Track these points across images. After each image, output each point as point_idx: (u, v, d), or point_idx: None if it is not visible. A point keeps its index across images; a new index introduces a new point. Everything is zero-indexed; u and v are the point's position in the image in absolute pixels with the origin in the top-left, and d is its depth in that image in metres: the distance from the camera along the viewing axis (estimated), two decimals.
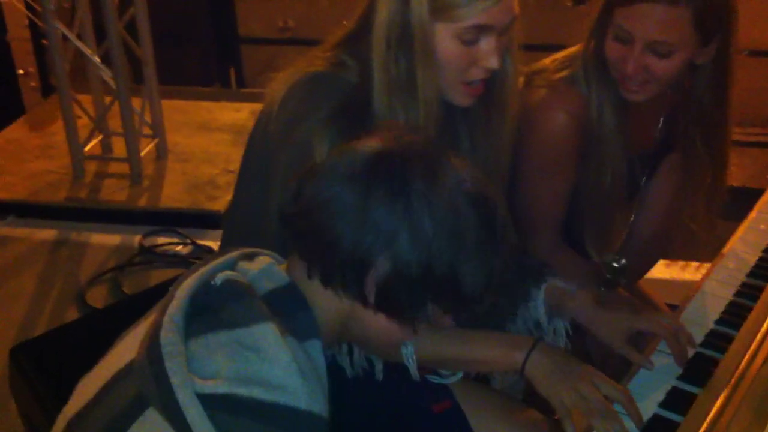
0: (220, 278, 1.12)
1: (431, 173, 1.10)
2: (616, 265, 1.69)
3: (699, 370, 1.51)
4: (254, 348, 1.04)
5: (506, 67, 1.55)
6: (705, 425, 1.37)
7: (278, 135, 1.50)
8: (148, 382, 1.03)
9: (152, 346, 1.05)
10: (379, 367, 1.51)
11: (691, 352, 1.53)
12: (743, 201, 2.23)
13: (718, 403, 1.42)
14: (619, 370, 1.53)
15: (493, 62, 1.45)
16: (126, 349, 1.13)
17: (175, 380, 1.01)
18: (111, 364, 1.14)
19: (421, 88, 1.45)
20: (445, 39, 1.43)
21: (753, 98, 5.38)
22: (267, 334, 1.05)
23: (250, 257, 1.20)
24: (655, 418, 1.41)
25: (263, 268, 1.16)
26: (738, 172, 4.72)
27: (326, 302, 1.15)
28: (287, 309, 1.12)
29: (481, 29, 1.42)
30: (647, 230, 2.01)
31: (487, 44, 1.44)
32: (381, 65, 1.45)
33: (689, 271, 2.37)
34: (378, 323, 1.16)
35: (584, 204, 1.87)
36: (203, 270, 1.15)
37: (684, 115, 1.84)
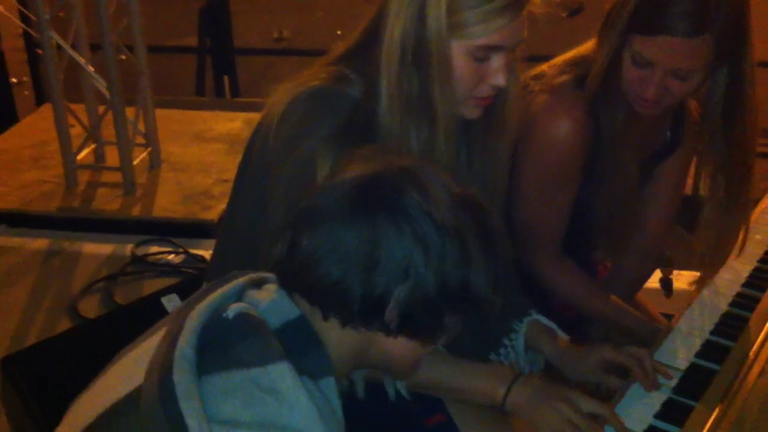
0: (232, 311, 1.07)
1: (420, 184, 1.10)
2: None
3: (695, 381, 1.51)
4: (272, 390, 1.00)
5: (509, 83, 1.54)
6: None
7: (279, 151, 1.46)
8: (160, 423, 0.97)
9: (164, 383, 0.99)
10: (360, 385, 1.48)
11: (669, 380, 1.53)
12: None
13: (714, 415, 1.42)
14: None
15: (501, 80, 1.44)
16: (125, 375, 1.08)
17: (191, 422, 0.95)
18: (108, 388, 1.10)
19: (440, 104, 1.42)
20: (457, 55, 1.41)
21: None
22: (284, 374, 1.01)
23: (257, 284, 1.16)
24: (651, 429, 1.41)
25: (274, 299, 1.12)
26: None
27: (343, 337, 1.13)
28: (299, 345, 1.08)
29: (492, 49, 1.42)
30: (649, 231, 1.97)
31: (496, 62, 1.43)
32: (393, 82, 1.42)
33: (685, 281, 2.37)
34: (399, 346, 1.15)
35: (598, 211, 1.83)
36: (212, 298, 1.10)
37: (703, 119, 1.79)
